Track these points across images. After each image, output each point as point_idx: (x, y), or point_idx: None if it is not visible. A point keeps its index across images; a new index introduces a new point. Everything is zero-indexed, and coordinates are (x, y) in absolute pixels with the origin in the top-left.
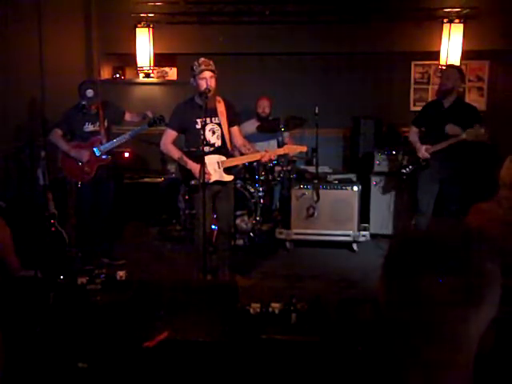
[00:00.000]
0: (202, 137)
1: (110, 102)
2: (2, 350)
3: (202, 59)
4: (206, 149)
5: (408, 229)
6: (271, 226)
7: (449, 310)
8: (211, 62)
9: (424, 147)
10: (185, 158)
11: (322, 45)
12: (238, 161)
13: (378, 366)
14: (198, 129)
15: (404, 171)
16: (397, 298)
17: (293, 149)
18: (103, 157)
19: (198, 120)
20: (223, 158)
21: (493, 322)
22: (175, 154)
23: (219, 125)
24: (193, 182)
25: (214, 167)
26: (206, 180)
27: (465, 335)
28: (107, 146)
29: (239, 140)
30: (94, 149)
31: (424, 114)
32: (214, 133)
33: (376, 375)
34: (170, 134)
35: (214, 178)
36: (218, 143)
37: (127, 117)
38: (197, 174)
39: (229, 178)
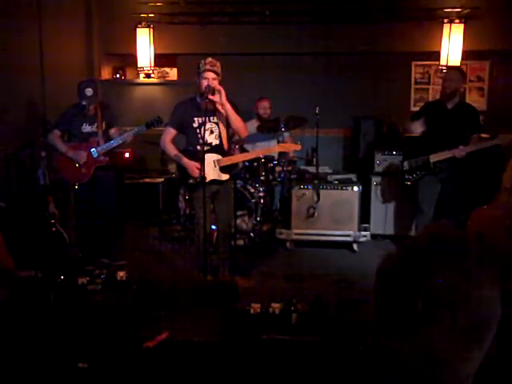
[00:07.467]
0: (200, 136)
1: (110, 105)
2: None
3: (209, 59)
4: None
5: (405, 243)
6: (271, 227)
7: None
8: (218, 64)
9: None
10: (180, 156)
11: (322, 45)
12: (234, 159)
13: (378, 367)
14: (196, 127)
15: (410, 177)
16: (392, 313)
17: (286, 147)
18: (100, 158)
19: (196, 119)
20: (219, 157)
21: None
22: (172, 151)
23: (217, 124)
24: (191, 181)
25: (211, 166)
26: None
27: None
28: (104, 147)
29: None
30: (92, 150)
31: (424, 114)
32: (212, 132)
33: (376, 376)
34: (169, 132)
35: (210, 177)
36: (216, 142)
37: (113, 130)
38: (190, 171)
39: (226, 176)
